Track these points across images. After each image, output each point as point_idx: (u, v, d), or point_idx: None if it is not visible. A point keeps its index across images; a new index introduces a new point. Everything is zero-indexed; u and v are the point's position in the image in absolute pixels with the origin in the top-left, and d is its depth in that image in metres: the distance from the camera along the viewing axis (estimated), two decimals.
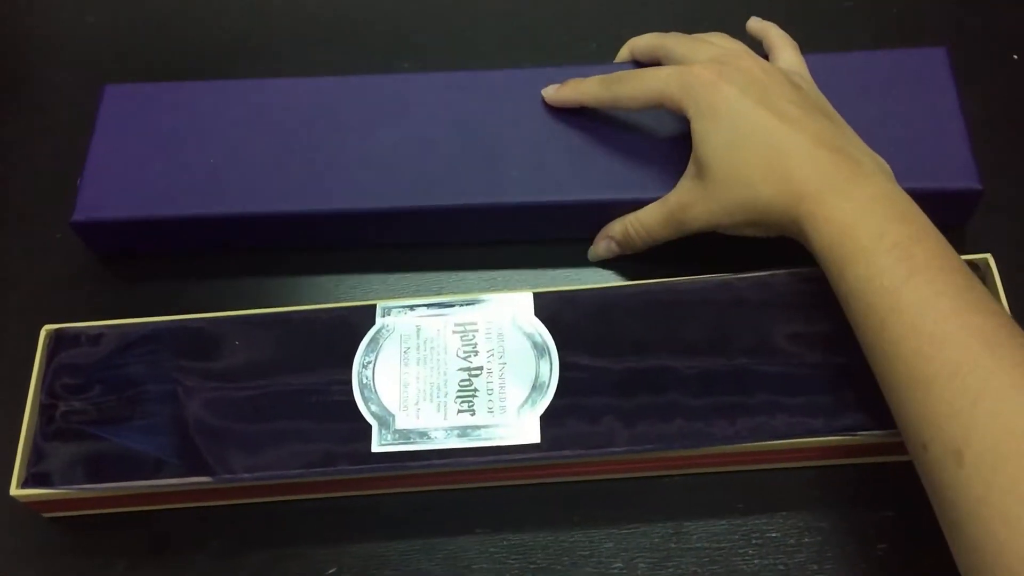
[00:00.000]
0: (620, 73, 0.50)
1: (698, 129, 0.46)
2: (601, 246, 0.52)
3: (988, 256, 0.47)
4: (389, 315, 0.47)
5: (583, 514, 0.46)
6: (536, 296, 0.47)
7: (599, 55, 0.60)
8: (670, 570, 0.45)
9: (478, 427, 0.44)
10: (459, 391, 0.45)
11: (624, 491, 0.47)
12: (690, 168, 0.48)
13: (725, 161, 0.45)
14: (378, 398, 0.45)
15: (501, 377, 0.45)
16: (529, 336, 0.46)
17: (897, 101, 0.52)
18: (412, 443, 0.44)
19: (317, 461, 0.44)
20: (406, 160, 0.52)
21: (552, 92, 0.53)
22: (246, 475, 0.44)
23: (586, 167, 0.52)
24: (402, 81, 0.56)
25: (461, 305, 0.47)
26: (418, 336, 0.47)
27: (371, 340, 0.46)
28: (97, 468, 0.45)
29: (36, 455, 0.45)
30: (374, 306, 0.48)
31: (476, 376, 0.45)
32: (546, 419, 0.44)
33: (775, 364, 0.46)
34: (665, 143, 0.52)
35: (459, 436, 0.44)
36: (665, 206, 0.48)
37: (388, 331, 0.47)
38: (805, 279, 0.48)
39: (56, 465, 0.45)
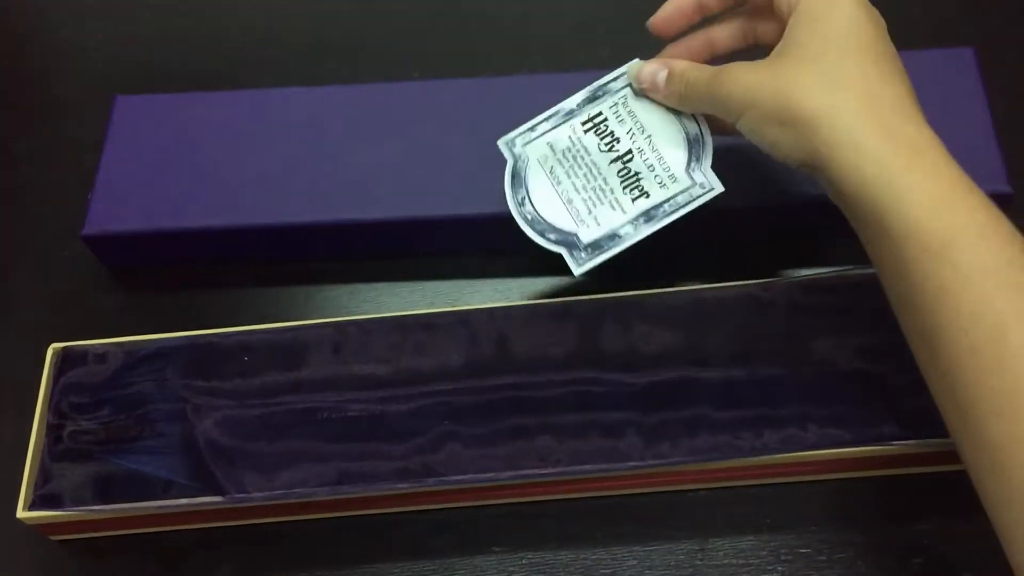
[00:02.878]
0: None
1: (798, 21, 0.40)
2: (648, 69, 0.45)
3: None
4: (516, 147, 0.46)
5: (605, 531, 0.45)
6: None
7: (612, 61, 0.59)
8: None
9: (659, 204, 0.44)
10: (622, 181, 0.44)
11: (647, 507, 0.45)
12: (770, 55, 0.42)
13: (815, 45, 0.39)
14: (551, 225, 0.44)
15: (654, 149, 0.44)
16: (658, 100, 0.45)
17: (924, 102, 0.50)
18: (607, 250, 0.43)
19: (331, 479, 0.43)
20: (421, 169, 0.51)
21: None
22: (258, 494, 0.43)
23: None
24: (415, 89, 0.55)
25: (579, 105, 0.46)
26: (554, 152, 0.45)
27: (512, 177, 0.45)
28: (106, 489, 0.44)
29: (43, 476, 0.44)
30: (394, 317, 0.47)
31: (629, 161, 0.44)
32: (569, 433, 0.43)
33: (802, 374, 0.44)
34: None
35: (646, 222, 0.44)
36: (718, 67, 0.42)
37: (524, 161, 0.45)
38: (830, 286, 0.46)
39: (64, 486, 0.44)
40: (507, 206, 0.49)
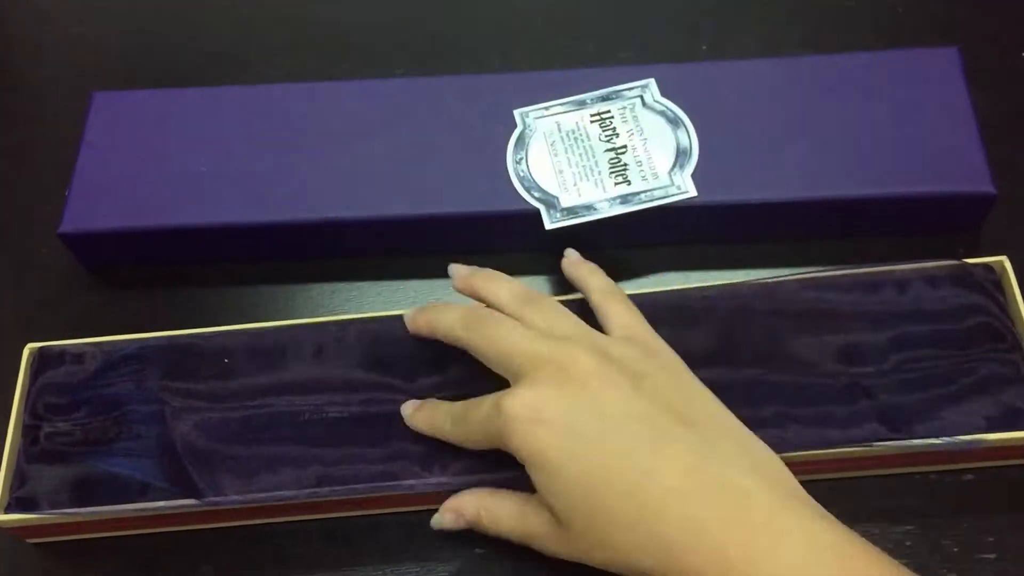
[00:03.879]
0: (454, 410, 0.42)
1: (537, 485, 0.37)
2: (448, 518, 0.42)
3: (1004, 259, 0.46)
4: (528, 118, 0.51)
5: None
6: (658, 81, 0.52)
7: (598, 58, 0.59)
8: None
9: (636, 192, 0.48)
10: (610, 168, 0.49)
11: None
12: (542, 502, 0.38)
13: (580, 516, 0.36)
14: (538, 185, 0.49)
15: (646, 150, 0.49)
16: (661, 113, 0.50)
17: (907, 102, 0.51)
18: (580, 216, 0.48)
19: (311, 482, 0.43)
20: (402, 167, 0.51)
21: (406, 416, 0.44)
22: (236, 497, 0.42)
23: None
24: (397, 86, 0.54)
25: (592, 101, 0.51)
26: (560, 130, 0.51)
27: (517, 140, 0.50)
28: (84, 491, 0.43)
29: (19, 479, 0.43)
30: (374, 318, 0.46)
31: (622, 153, 0.49)
32: None
33: (784, 374, 0.44)
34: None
35: (621, 203, 0.48)
36: (521, 521, 0.39)
37: (531, 131, 0.51)
38: (814, 286, 0.46)
39: (41, 489, 0.43)
40: (495, 205, 0.50)
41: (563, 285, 0.51)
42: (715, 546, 0.34)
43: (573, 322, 0.42)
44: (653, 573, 0.35)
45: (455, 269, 0.45)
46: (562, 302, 0.46)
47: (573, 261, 0.46)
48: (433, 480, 0.43)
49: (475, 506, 0.41)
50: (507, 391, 0.38)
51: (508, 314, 0.42)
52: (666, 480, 0.35)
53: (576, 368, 0.38)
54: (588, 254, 0.51)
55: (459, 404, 0.41)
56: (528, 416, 0.37)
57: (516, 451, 0.37)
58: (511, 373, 0.39)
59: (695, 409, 0.38)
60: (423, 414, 0.43)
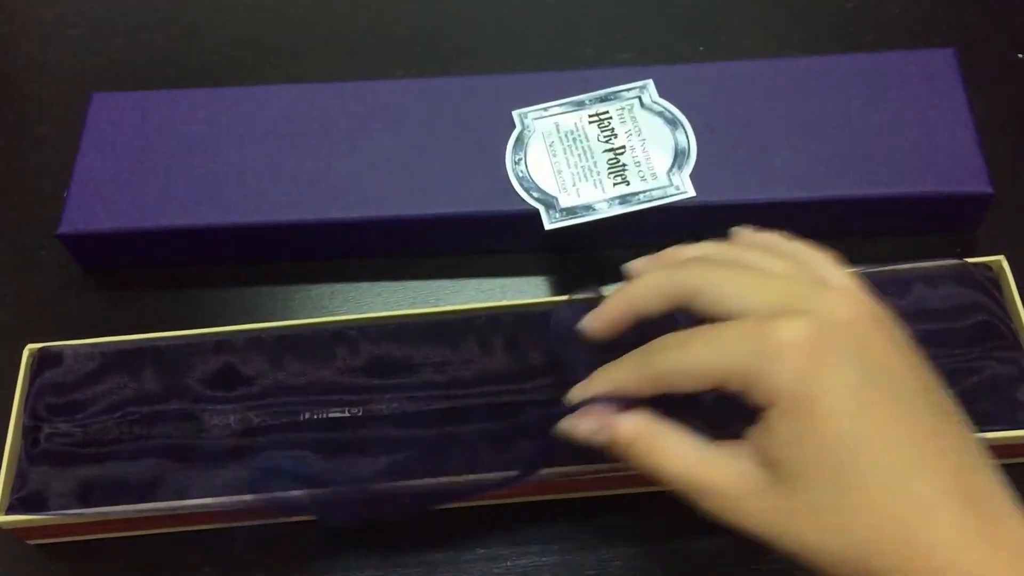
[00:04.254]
0: (658, 341, 0.34)
1: (782, 430, 0.30)
2: (586, 426, 0.35)
3: (1001, 258, 0.46)
4: (527, 119, 0.51)
5: (598, 534, 0.45)
6: (656, 82, 0.52)
7: (596, 60, 0.59)
8: None
9: (635, 193, 0.48)
10: (609, 168, 0.49)
11: (619, 507, 0.45)
12: (755, 453, 0.31)
13: (823, 484, 0.30)
14: (537, 186, 0.49)
15: (644, 150, 0.50)
16: (660, 114, 0.51)
17: (905, 103, 0.51)
18: (579, 216, 0.48)
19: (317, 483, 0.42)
20: (401, 168, 0.51)
21: (579, 393, 0.36)
22: (245, 498, 0.42)
23: None
24: (396, 87, 0.54)
25: (590, 102, 0.52)
26: (558, 131, 0.51)
27: (516, 141, 0.51)
28: (85, 492, 0.43)
29: (20, 480, 0.43)
30: (361, 320, 0.46)
31: (621, 154, 0.50)
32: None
33: None
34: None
35: (620, 204, 0.48)
36: (700, 466, 0.32)
37: (530, 131, 0.51)
38: None
39: (42, 490, 0.43)
40: (494, 205, 0.50)
41: (562, 287, 0.51)
42: (961, 558, 0.29)
43: (824, 258, 0.34)
44: (886, 567, 0.29)
45: (631, 267, 0.37)
46: (574, 299, 0.41)
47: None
48: (439, 481, 0.42)
49: (634, 429, 0.33)
50: (773, 316, 0.31)
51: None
52: (935, 478, 0.29)
53: (862, 309, 0.31)
54: (587, 254, 0.51)
55: (645, 347, 0.33)
56: (810, 349, 0.30)
57: (774, 386, 0.30)
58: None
59: (948, 401, 0.32)
60: (598, 381, 0.35)
